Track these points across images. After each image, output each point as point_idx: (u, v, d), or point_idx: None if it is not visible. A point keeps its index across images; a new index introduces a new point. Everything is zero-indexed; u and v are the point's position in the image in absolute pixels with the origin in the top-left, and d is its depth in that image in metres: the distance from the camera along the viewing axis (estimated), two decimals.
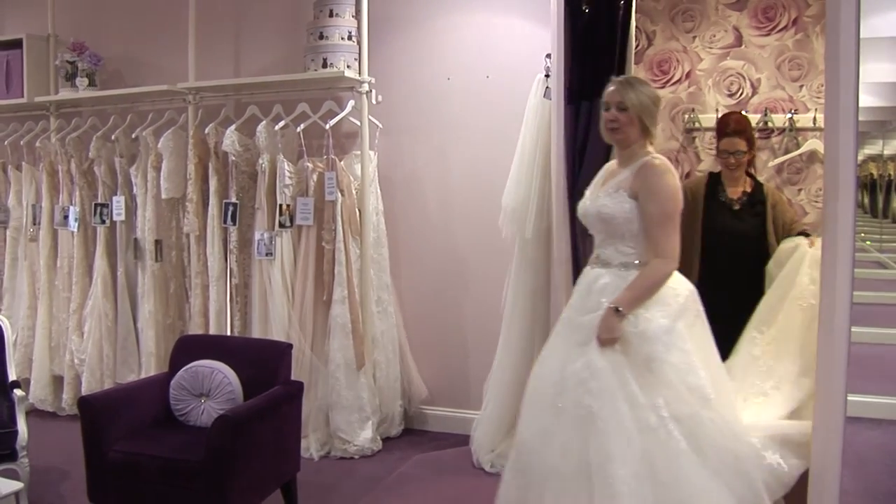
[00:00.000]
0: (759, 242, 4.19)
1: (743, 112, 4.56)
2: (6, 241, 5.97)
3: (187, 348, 4.24)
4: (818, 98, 4.69)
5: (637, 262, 3.15)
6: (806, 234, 4.05)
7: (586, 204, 3.30)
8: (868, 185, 7.62)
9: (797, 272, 3.71)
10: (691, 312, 3.18)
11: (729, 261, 4.18)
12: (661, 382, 2.99)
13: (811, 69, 4.75)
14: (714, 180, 4.35)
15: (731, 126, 4.24)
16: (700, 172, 4.94)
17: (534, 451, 3.11)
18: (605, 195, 3.18)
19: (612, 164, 3.40)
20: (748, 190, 4.29)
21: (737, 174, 4.27)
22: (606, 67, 4.06)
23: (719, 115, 4.80)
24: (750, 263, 4.08)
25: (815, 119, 4.70)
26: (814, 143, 4.70)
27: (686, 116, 4.93)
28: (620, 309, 3.02)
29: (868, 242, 7.45)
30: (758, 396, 3.44)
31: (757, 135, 4.82)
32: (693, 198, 4.28)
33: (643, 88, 3.18)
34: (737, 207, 4.27)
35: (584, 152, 4.14)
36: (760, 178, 4.46)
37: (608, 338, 3.02)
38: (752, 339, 3.64)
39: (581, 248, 4.19)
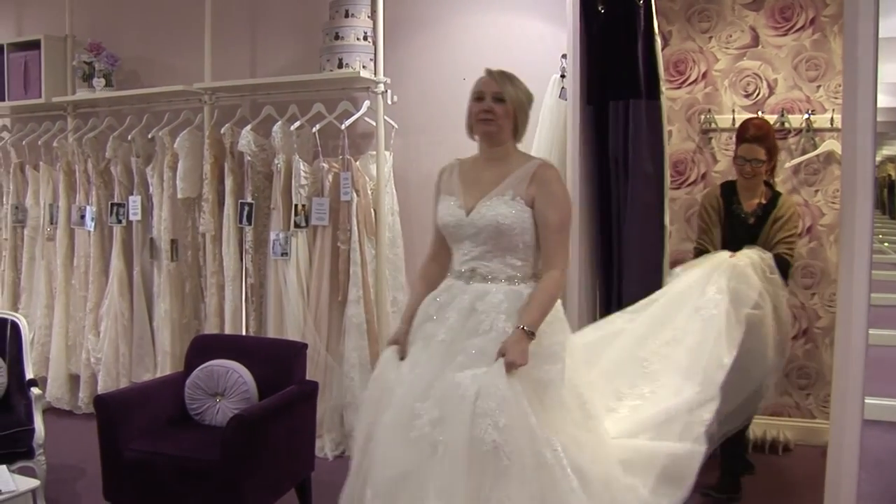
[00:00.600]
0: None
1: (762, 115, 4.48)
2: (24, 241, 6.01)
3: (203, 348, 4.25)
4: (836, 98, 4.66)
5: (528, 275, 2.90)
6: (784, 260, 4.01)
7: (467, 212, 2.91)
8: (886, 186, 7.57)
9: (708, 281, 3.62)
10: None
11: None
12: (556, 405, 2.78)
13: (829, 69, 4.73)
14: (729, 190, 4.23)
15: (752, 132, 4.07)
16: (716, 174, 4.92)
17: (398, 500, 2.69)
18: (500, 203, 2.86)
19: (467, 163, 3.08)
20: (763, 202, 4.15)
21: (752, 183, 4.13)
22: (631, 67, 4.06)
23: (740, 119, 4.77)
24: None
25: (832, 120, 4.68)
26: (831, 144, 4.68)
27: (702, 117, 4.92)
28: (532, 331, 2.73)
29: (886, 244, 7.40)
30: (635, 399, 3.25)
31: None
32: (708, 210, 4.25)
33: (521, 85, 2.95)
34: (752, 221, 4.15)
35: (626, 153, 4.13)
36: (780, 188, 4.42)
37: (523, 363, 2.69)
38: (641, 338, 3.47)
39: (616, 250, 4.20)
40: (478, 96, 2.92)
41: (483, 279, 2.88)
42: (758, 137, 4.04)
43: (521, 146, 4.58)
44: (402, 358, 2.94)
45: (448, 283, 2.98)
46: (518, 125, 2.93)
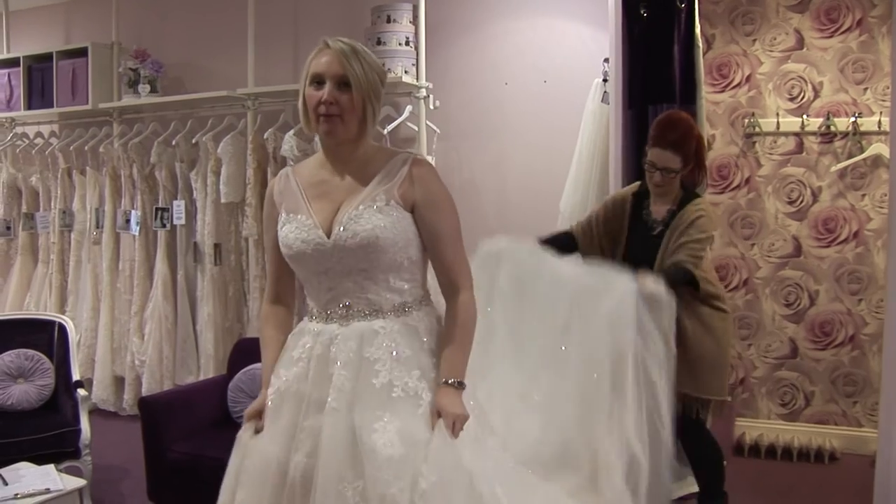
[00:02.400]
0: None
1: (685, 116, 3.57)
2: (71, 245, 6.10)
3: (245, 351, 4.29)
4: (883, 101, 4.59)
5: (418, 297, 2.32)
6: (679, 270, 3.24)
7: (327, 232, 2.21)
8: None
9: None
10: None
11: None
12: (487, 455, 2.27)
13: (876, 71, 4.65)
14: (643, 194, 3.58)
15: (668, 135, 3.37)
16: (760, 178, 4.87)
17: None
18: (372, 213, 2.17)
19: (306, 169, 2.36)
20: (674, 208, 3.46)
21: (662, 192, 3.46)
22: (669, 71, 4.04)
23: (785, 124, 4.70)
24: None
25: (879, 122, 4.60)
26: (878, 148, 4.60)
27: (746, 121, 4.87)
28: (463, 382, 2.21)
29: None
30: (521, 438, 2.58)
31: (819, 139, 4.74)
32: (615, 215, 3.63)
33: (369, 58, 2.19)
34: (656, 231, 3.48)
35: None
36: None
37: (466, 418, 2.18)
38: (534, 376, 2.82)
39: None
40: (316, 80, 2.16)
41: (363, 315, 2.24)
42: (673, 142, 3.33)
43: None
44: (257, 431, 2.32)
45: (312, 328, 2.30)
46: (367, 114, 2.20)
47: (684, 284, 3.28)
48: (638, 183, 3.65)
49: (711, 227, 3.39)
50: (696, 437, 3.56)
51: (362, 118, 2.19)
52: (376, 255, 2.18)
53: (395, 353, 2.20)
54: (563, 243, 3.52)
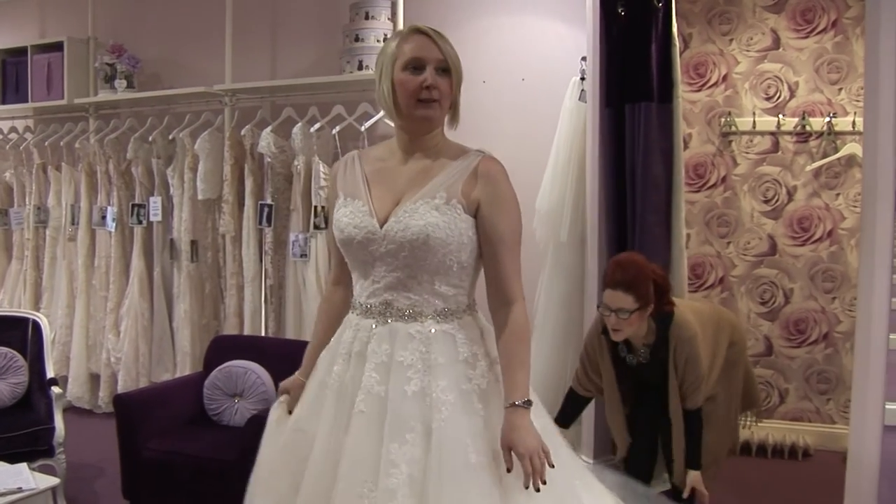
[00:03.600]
0: (652, 407, 3.45)
1: (634, 256, 3.41)
2: (45, 241, 6.05)
3: (222, 348, 4.29)
4: (858, 101, 4.64)
5: (461, 307, 2.19)
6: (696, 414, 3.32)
7: (381, 222, 2.14)
8: None
9: None
10: None
11: (649, 413, 3.52)
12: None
13: (851, 72, 4.70)
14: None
15: (617, 275, 3.20)
16: (736, 177, 4.90)
17: None
18: (429, 208, 2.09)
19: (374, 156, 2.30)
20: (650, 342, 3.34)
21: (622, 335, 3.26)
22: (647, 70, 4.05)
23: (761, 122, 4.74)
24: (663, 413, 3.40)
25: (854, 123, 4.65)
26: (853, 147, 4.65)
27: (722, 120, 4.91)
28: (530, 400, 2.07)
29: None
30: None
31: (794, 139, 4.78)
32: (593, 362, 3.54)
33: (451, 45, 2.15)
34: (636, 363, 3.42)
35: (647, 158, 4.10)
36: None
37: (542, 449, 2.00)
38: None
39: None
40: (415, 64, 2.09)
41: (402, 316, 2.14)
42: (623, 282, 3.16)
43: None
44: (290, 411, 2.31)
45: (353, 321, 2.23)
46: (457, 102, 2.20)
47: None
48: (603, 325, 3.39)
49: (698, 343, 3.29)
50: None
51: (451, 105, 2.17)
52: (424, 253, 2.08)
53: (427, 360, 2.10)
54: (574, 406, 3.63)
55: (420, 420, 2.04)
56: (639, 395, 3.52)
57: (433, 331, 2.13)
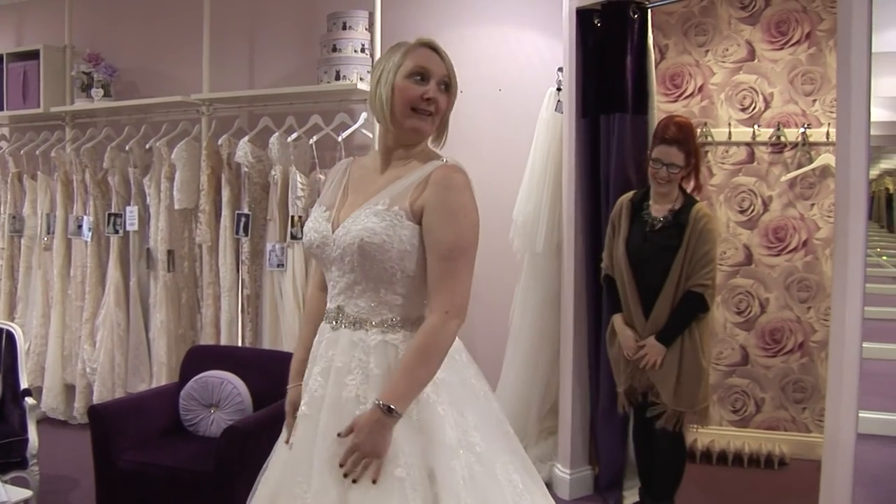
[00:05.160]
0: (662, 276, 3.62)
1: (689, 119, 3.86)
2: (20, 250, 6.00)
3: (198, 358, 4.26)
4: (831, 112, 4.68)
5: (409, 318, 2.15)
6: (695, 295, 3.57)
7: (327, 226, 2.18)
8: (884, 200, 7.58)
9: None
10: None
11: (633, 295, 3.72)
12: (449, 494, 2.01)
13: (824, 83, 4.74)
14: (642, 196, 3.80)
15: (671, 132, 3.61)
16: (713, 187, 4.93)
17: None
18: (369, 213, 2.09)
19: (363, 164, 2.32)
20: (675, 208, 3.67)
21: (665, 189, 3.67)
22: (622, 81, 4.08)
23: (737, 133, 4.82)
24: (651, 299, 3.66)
25: (828, 133, 4.69)
26: (826, 158, 4.69)
27: (698, 131, 4.92)
28: (394, 408, 1.97)
29: (884, 258, 7.40)
30: None
31: (769, 149, 4.82)
32: (613, 220, 3.87)
33: None
34: (655, 228, 3.69)
35: (622, 168, 4.13)
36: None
37: (374, 454, 1.98)
38: None
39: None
40: (421, 74, 2.11)
41: (350, 323, 2.14)
42: (677, 139, 3.58)
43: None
44: (286, 440, 2.25)
45: (321, 325, 2.26)
46: (446, 122, 2.22)
47: (694, 310, 3.61)
48: (632, 192, 3.86)
49: (717, 234, 3.69)
50: (677, 447, 3.77)
51: (441, 123, 2.19)
52: (362, 259, 2.07)
53: (366, 369, 2.08)
54: (613, 290, 3.87)
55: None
56: (643, 271, 3.69)
57: (374, 341, 2.11)
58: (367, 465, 1.97)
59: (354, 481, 1.97)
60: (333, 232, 2.14)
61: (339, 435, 2.00)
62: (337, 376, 2.10)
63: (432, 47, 2.16)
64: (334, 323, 2.17)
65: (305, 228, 2.24)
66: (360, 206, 2.12)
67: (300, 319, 4.84)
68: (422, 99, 2.09)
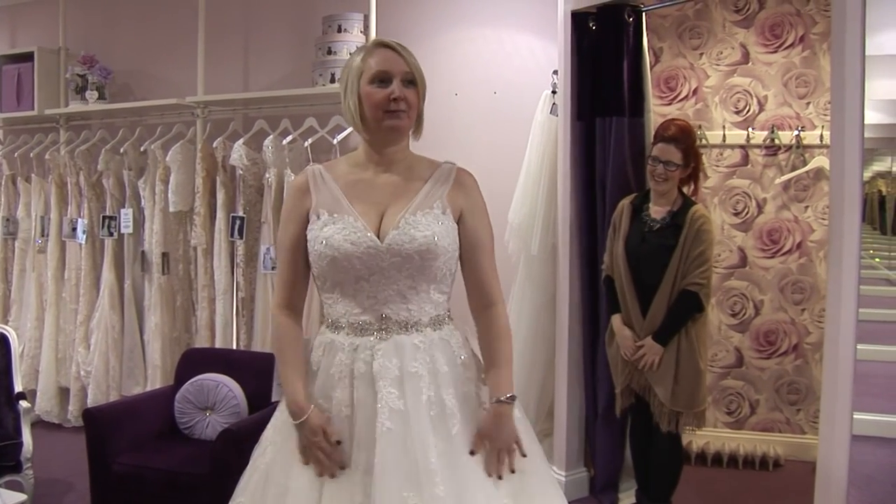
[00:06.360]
0: (659, 275, 3.66)
1: (689, 123, 4.01)
2: (15, 253, 6.00)
3: (193, 361, 4.26)
4: (825, 115, 4.69)
5: (447, 312, 2.24)
6: (689, 294, 3.59)
7: (369, 235, 2.11)
8: (878, 202, 7.60)
9: None
10: None
11: (631, 295, 3.75)
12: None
13: (818, 86, 4.75)
14: (644, 198, 3.86)
15: (671, 131, 3.70)
16: (707, 189, 4.94)
17: None
18: (431, 219, 2.13)
19: (341, 170, 2.27)
20: (674, 209, 3.72)
21: (664, 188, 3.72)
22: (618, 84, 4.08)
23: (731, 136, 4.85)
24: (648, 298, 3.69)
25: (822, 136, 4.70)
26: (820, 161, 4.70)
27: None
28: (510, 395, 2.16)
29: (877, 259, 7.41)
30: None
31: (763, 152, 4.83)
32: (614, 222, 3.92)
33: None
34: (654, 228, 3.74)
35: (618, 171, 4.13)
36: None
37: (515, 445, 2.16)
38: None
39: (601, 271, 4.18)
40: (381, 78, 2.12)
41: (402, 328, 2.13)
42: (675, 138, 3.67)
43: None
44: (338, 441, 2.11)
45: (343, 342, 2.15)
46: (421, 112, 2.23)
47: (689, 309, 3.64)
48: (633, 195, 3.92)
49: (714, 235, 3.72)
50: (674, 449, 3.80)
51: (417, 117, 2.20)
52: (429, 262, 2.10)
53: (433, 368, 2.12)
54: (613, 292, 3.88)
55: (441, 428, 2.08)
56: (641, 270, 3.72)
57: (433, 339, 2.16)
58: (511, 454, 2.14)
59: (500, 476, 2.12)
60: (383, 240, 2.10)
61: (471, 453, 2.09)
62: (412, 382, 2.09)
63: (389, 46, 2.16)
64: (380, 333, 2.12)
65: (333, 241, 2.10)
66: (408, 211, 2.13)
67: None
68: (389, 100, 2.10)
